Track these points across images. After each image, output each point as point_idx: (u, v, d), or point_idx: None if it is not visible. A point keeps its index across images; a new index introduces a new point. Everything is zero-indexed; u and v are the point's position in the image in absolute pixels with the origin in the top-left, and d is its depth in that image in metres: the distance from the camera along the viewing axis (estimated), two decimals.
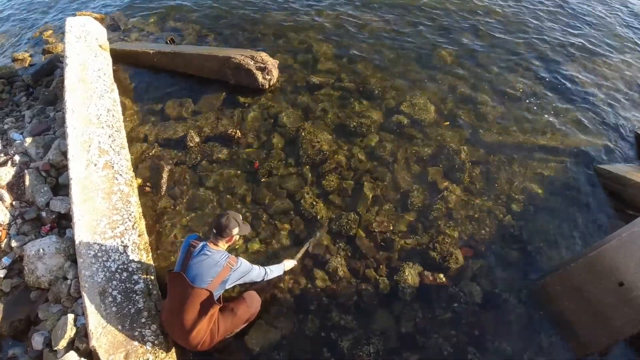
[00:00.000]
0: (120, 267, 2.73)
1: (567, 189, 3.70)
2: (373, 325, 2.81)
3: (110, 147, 3.43)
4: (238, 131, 3.95)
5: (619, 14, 6.40)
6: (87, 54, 4.14)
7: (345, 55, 4.94)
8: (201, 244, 2.41)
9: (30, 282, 2.85)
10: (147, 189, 3.55)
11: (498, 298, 2.98)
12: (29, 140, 3.70)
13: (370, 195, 3.51)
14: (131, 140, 3.86)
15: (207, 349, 2.47)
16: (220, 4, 5.88)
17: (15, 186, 3.37)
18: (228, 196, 3.52)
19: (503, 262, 3.17)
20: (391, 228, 3.32)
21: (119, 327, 2.48)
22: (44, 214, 3.22)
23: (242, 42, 5.12)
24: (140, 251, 2.88)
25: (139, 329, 2.50)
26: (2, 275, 2.87)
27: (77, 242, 2.78)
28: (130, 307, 2.58)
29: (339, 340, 2.73)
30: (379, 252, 3.18)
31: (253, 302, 2.66)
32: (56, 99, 4.43)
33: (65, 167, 3.45)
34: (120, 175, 3.26)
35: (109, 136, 3.51)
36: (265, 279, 2.67)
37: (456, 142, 3.95)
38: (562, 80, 4.86)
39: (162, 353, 2.47)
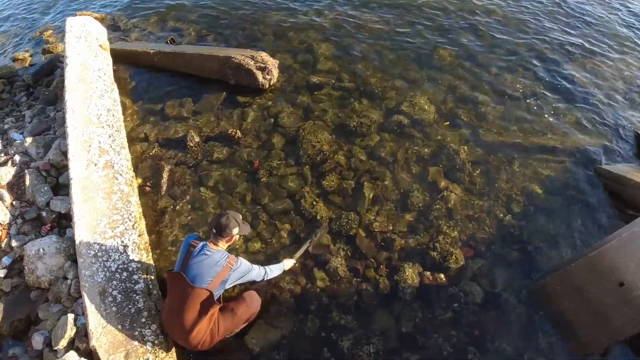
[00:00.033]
0: (120, 266, 2.74)
1: (567, 189, 3.70)
2: (373, 325, 2.81)
3: (111, 146, 3.43)
4: (238, 131, 3.95)
5: (619, 13, 6.40)
6: (87, 54, 4.15)
7: (345, 55, 4.94)
8: (201, 243, 2.41)
9: (31, 282, 2.85)
10: (147, 188, 3.55)
11: (498, 298, 2.98)
12: (29, 140, 3.70)
13: (370, 195, 3.51)
14: (131, 140, 3.86)
15: (207, 348, 2.46)
16: (221, 4, 5.88)
17: (15, 186, 3.37)
18: (228, 196, 3.52)
19: (503, 262, 3.17)
20: (391, 228, 3.32)
21: (119, 326, 2.48)
22: (44, 213, 3.22)
23: (243, 42, 5.12)
24: (140, 251, 2.88)
25: (139, 329, 2.50)
26: (2, 275, 2.87)
27: (77, 241, 2.78)
28: (130, 306, 2.58)
29: (339, 340, 2.73)
30: (379, 252, 3.18)
31: (253, 302, 2.66)
32: (56, 99, 4.43)
33: (65, 167, 3.45)
34: (121, 175, 3.26)
35: (109, 136, 3.51)
36: (265, 279, 2.66)
37: (456, 142, 3.95)
38: (562, 80, 4.86)
39: (162, 353, 2.47)
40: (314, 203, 3.43)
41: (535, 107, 4.46)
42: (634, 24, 6.18)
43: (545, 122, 4.30)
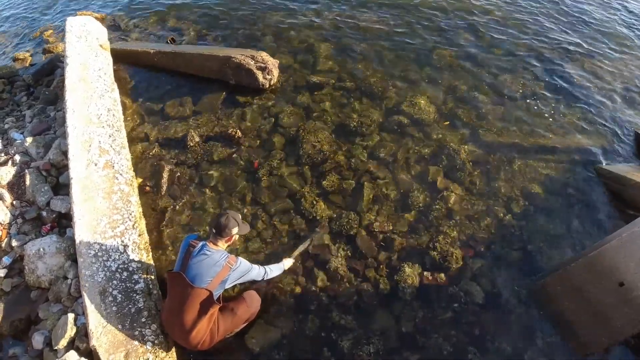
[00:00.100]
0: (120, 266, 2.74)
1: (567, 189, 3.70)
2: (373, 325, 2.81)
3: (111, 146, 3.43)
4: (238, 131, 3.95)
5: (618, 13, 6.39)
6: (87, 54, 4.15)
7: (345, 55, 4.94)
8: (200, 243, 2.41)
9: (31, 282, 2.85)
10: (148, 188, 3.55)
11: (498, 298, 2.98)
12: (29, 139, 3.71)
13: (371, 195, 3.52)
14: (131, 139, 3.86)
15: (207, 348, 2.47)
16: (221, 4, 5.88)
17: (15, 186, 3.37)
18: (228, 196, 3.52)
19: (503, 262, 3.17)
20: (391, 228, 3.32)
21: (119, 326, 2.48)
22: (44, 213, 3.22)
23: (243, 42, 5.12)
24: (140, 251, 2.88)
25: (139, 329, 2.50)
26: (2, 275, 2.88)
27: (77, 241, 2.78)
28: (130, 306, 2.58)
29: (339, 340, 2.73)
30: (379, 252, 3.19)
31: (253, 302, 2.66)
32: (57, 99, 4.43)
33: (65, 167, 3.46)
34: (121, 174, 3.26)
35: (110, 136, 3.51)
36: (265, 279, 2.67)
37: (456, 142, 3.95)
38: (562, 80, 4.86)
39: (162, 353, 2.47)
40: (314, 203, 3.43)
41: (535, 107, 4.46)
42: (633, 24, 6.18)
43: (545, 122, 4.30)
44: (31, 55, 5.43)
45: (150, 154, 3.83)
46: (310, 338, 2.74)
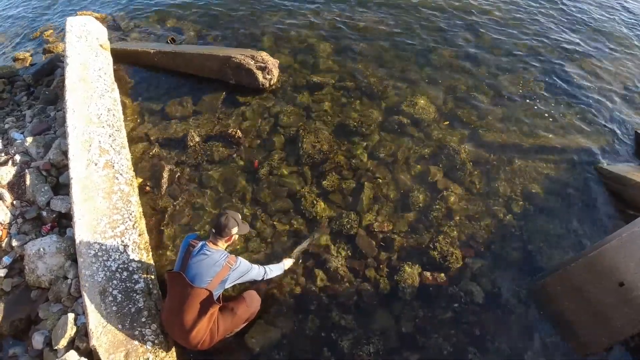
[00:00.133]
0: (120, 266, 2.74)
1: (567, 189, 3.70)
2: (373, 325, 2.81)
3: (111, 146, 3.44)
4: (238, 130, 3.95)
5: (617, 13, 6.39)
6: (87, 54, 4.15)
7: (345, 55, 4.94)
8: (200, 243, 2.41)
9: (31, 282, 2.85)
10: (148, 188, 3.55)
11: (498, 298, 2.98)
12: (29, 139, 3.71)
13: (371, 195, 3.52)
14: (132, 139, 3.86)
15: (207, 348, 2.47)
16: (221, 4, 5.88)
17: (15, 185, 3.37)
18: (228, 195, 3.52)
19: (503, 262, 3.17)
20: (391, 228, 3.32)
21: (119, 326, 2.48)
22: (44, 213, 3.23)
23: (243, 42, 5.12)
24: (140, 250, 2.88)
25: (139, 328, 2.50)
26: (2, 275, 2.88)
27: (77, 241, 2.78)
28: (130, 306, 2.58)
29: (339, 339, 2.73)
30: (379, 252, 3.19)
31: (253, 302, 2.66)
32: (57, 99, 4.43)
33: (65, 167, 3.46)
34: (121, 174, 3.26)
35: (110, 135, 3.51)
36: (264, 279, 2.67)
37: (456, 142, 3.95)
38: (562, 80, 4.85)
39: (162, 352, 2.47)
40: (314, 203, 3.43)
41: (535, 107, 4.46)
42: (632, 24, 6.18)
43: (545, 122, 4.30)
44: (31, 55, 5.43)
45: (150, 154, 3.83)
46: (310, 338, 2.74)
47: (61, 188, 3.44)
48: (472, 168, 3.77)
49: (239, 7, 5.80)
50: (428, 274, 3.06)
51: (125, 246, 2.84)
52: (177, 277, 2.35)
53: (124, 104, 4.13)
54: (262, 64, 4.32)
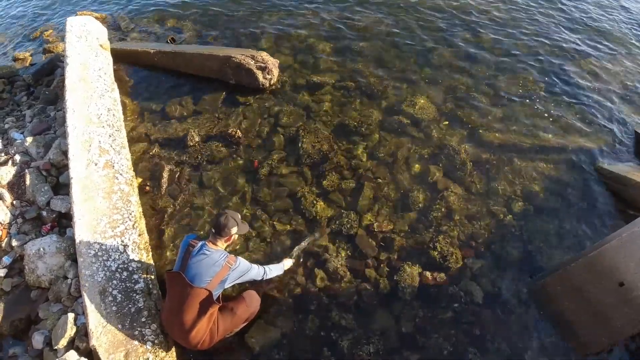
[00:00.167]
0: (120, 266, 2.74)
1: (567, 189, 3.70)
2: (373, 324, 2.81)
3: (111, 146, 3.44)
4: (238, 130, 3.95)
5: (617, 13, 6.39)
6: (87, 54, 4.15)
7: (345, 54, 4.94)
8: (200, 243, 2.41)
9: (31, 281, 2.85)
10: (148, 188, 3.55)
11: (498, 298, 2.98)
12: (29, 139, 3.71)
13: (371, 195, 3.52)
14: (131, 139, 3.86)
15: (207, 348, 2.47)
16: (221, 4, 5.88)
17: (15, 185, 3.37)
18: (228, 195, 3.52)
19: (503, 262, 3.17)
20: (391, 228, 3.32)
21: (119, 326, 2.48)
22: (44, 213, 3.23)
23: (243, 42, 5.12)
24: (140, 250, 2.88)
25: (139, 328, 2.50)
26: (2, 275, 2.88)
27: (77, 241, 2.78)
28: (130, 306, 2.58)
29: (339, 339, 2.73)
30: (379, 251, 3.18)
31: (252, 302, 2.66)
32: (57, 99, 4.43)
33: (65, 167, 3.46)
34: (121, 174, 3.26)
35: (110, 135, 3.51)
36: (264, 278, 2.67)
37: (456, 142, 3.95)
38: (562, 80, 4.85)
39: (162, 352, 2.47)
40: (314, 202, 3.43)
41: (535, 107, 4.46)
42: (632, 24, 6.18)
43: (545, 122, 4.30)
44: (31, 55, 5.43)
45: (150, 153, 3.83)
46: (310, 338, 2.74)
47: (61, 188, 3.44)
48: (472, 168, 3.76)
49: (239, 7, 5.80)
50: (428, 273, 3.06)
51: (125, 246, 2.84)
52: (177, 277, 2.35)
53: (124, 104, 4.13)
54: (262, 64, 4.32)
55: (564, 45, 5.43)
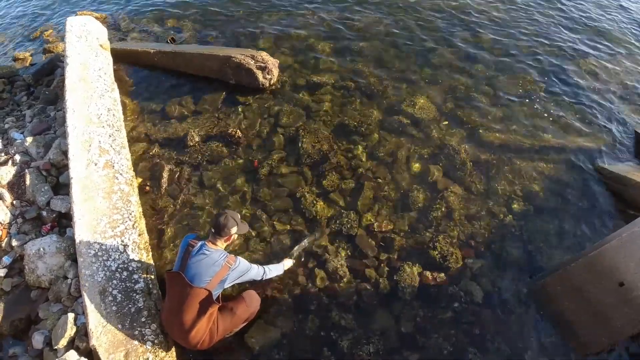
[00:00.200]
0: (120, 266, 2.74)
1: (567, 189, 3.70)
2: (373, 324, 2.81)
3: (111, 146, 3.44)
4: (238, 130, 3.95)
5: (616, 14, 6.39)
6: (87, 54, 4.15)
7: (345, 54, 4.94)
8: (200, 243, 2.41)
9: (31, 281, 2.85)
10: (148, 188, 3.55)
11: (498, 298, 2.97)
12: (29, 139, 3.71)
13: (370, 195, 3.51)
14: (131, 139, 3.86)
15: (207, 348, 2.47)
16: (221, 3, 5.88)
17: (15, 185, 3.37)
18: (228, 195, 3.52)
19: (503, 262, 3.17)
20: (391, 228, 3.32)
21: (119, 326, 2.48)
22: (44, 213, 3.23)
23: (243, 42, 5.12)
24: (140, 250, 2.88)
25: (139, 328, 2.50)
26: (2, 275, 2.88)
27: (77, 241, 2.78)
28: (130, 306, 2.58)
29: (339, 339, 2.73)
30: (379, 251, 3.18)
31: (252, 302, 2.66)
32: (57, 99, 4.43)
33: (65, 167, 3.46)
34: (121, 174, 3.26)
35: (110, 135, 3.51)
36: (264, 278, 2.66)
37: (456, 142, 3.95)
38: (561, 80, 4.85)
39: (161, 352, 2.47)
40: (314, 202, 3.43)
41: (535, 107, 4.46)
42: (631, 24, 6.17)
43: (545, 122, 4.30)
44: (31, 55, 5.43)
45: (150, 153, 3.83)
46: (310, 338, 2.74)
47: (61, 188, 3.44)
48: (472, 168, 3.76)
49: (239, 7, 5.80)
50: (428, 273, 3.06)
51: (125, 246, 2.84)
52: (177, 277, 2.35)
53: (124, 104, 4.13)
54: (262, 64, 4.32)
55: (564, 45, 5.43)
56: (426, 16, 5.70)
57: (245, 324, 2.69)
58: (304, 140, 3.87)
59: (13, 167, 3.47)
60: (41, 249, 2.86)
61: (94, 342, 2.39)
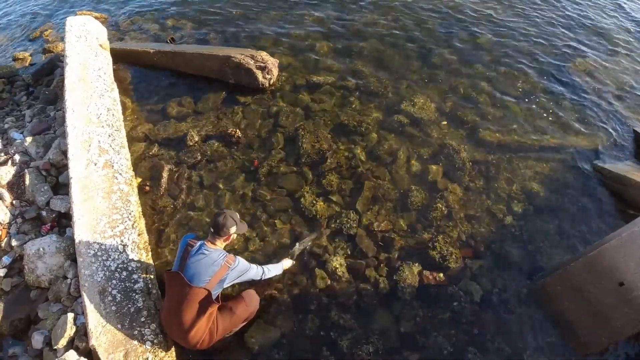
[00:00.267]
0: (119, 266, 2.74)
1: (567, 189, 3.70)
2: (373, 324, 2.81)
3: (110, 146, 3.43)
4: (238, 130, 3.95)
5: (615, 14, 6.39)
6: (87, 54, 4.14)
7: (345, 54, 4.94)
8: (199, 243, 2.41)
9: (31, 281, 2.85)
10: (147, 188, 3.55)
11: (498, 298, 2.97)
12: (29, 139, 3.71)
13: (370, 195, 3.51)
14: (131, 139, 3.86)
15: (206, 348, 2.46)
16: (221, 3, 5.88)
17: (15, 185, 3.37)
18: (227, 195, 3.52)
19: (503, 262, 3.17)
20: (391, 227, 3.32)
21: (119, 326, 2.48)
22: (44, 213, 3.22)
23: (243, 41, 5.12)
24: (139, 250, 2.88)
25: (138, 328, 2.50)
26: (2, 274, 2.88)
27: (77, 241, 2.78)
28: (129, 306, 2.58)
29: (338, 339, 2.73)
30: (378, 251, 3.18)
31: (252, 301, 2.66)
32: (56, 98, 4.43)
33: (65, 166, 3.46)
34: (120, 174, 3.26)
35: (109, 135, 3.51)
36: (263, 278, 2.66)
37: (456, 142, 3.95)
38: (561, 80, 4.85)
39: (161, 352, 2.47)
40: (314, 202, 3.43)
41: (535, 107, 4.46)
42: (630, 24, 6.17)
43: (544, 122, 4.30)
44: (31, 55, 5.43)
45: (150, 153, 3.83)
46: (310, 338, 2.74)
47: (61, 188, 3.44)
48: (471, 168, 3.76)
49: (238, 7, 5.80)
50: (428, 273, 3.06)
51: (125, 246, 2.84)
52: (176, 276, 2.35)
53: (123, 104, 4.13)
54: (262, 64, 4.32)
55: (563, 45, 5.43)
56: (425, 16, 5.70)
57: (244, 323, 2.69)
58: (304, 140, 3.86)
59: (13, 167, 3.47)
60: (41, 249, 2.86)
61: (93, 342, 2.39)
